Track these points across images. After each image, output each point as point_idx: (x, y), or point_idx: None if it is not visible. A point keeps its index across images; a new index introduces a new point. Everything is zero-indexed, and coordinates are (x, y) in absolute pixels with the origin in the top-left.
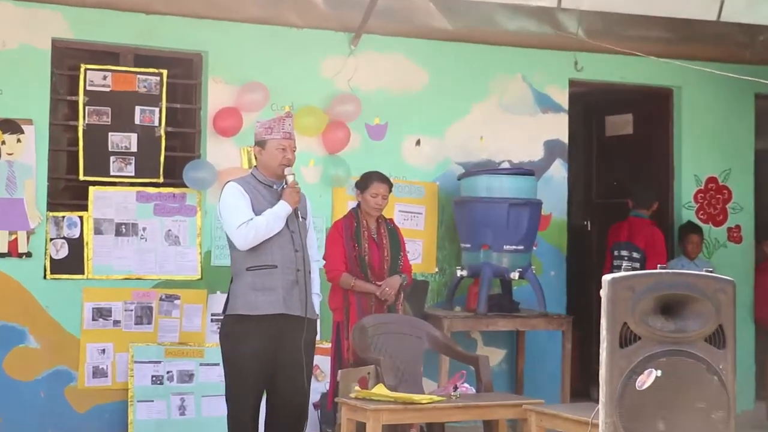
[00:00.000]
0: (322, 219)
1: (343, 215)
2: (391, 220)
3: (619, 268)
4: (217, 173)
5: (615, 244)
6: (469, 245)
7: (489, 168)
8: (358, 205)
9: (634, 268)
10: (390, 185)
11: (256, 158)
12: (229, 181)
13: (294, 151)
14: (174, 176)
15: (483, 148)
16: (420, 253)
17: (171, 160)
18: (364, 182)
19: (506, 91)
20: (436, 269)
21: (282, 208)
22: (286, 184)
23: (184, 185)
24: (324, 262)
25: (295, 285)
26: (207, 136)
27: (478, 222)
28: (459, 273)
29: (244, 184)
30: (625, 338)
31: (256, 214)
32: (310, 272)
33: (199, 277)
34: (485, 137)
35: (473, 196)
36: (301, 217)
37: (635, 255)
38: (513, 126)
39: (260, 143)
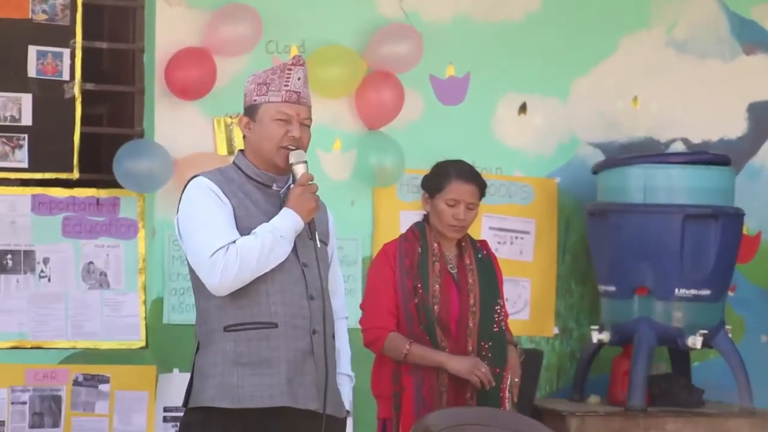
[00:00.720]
0: (356, 243)
1: (399, 235)
2: (483, 243)
3: None
4: (173, 163)
5: None
6: (613, 288)
7: (649, 153)
8: (426, 218)
9: None
10: (481, 186)
11: (244, 137)
12: (195, 176)
13: (306, 124)
14: (98, 169)
15: (638, 118)
16: (526, 302)
17: (92, 141)
18: (437, 180)
19: (681, 16)
20: (555, 330)
21: (288, 221)
22: (293, 180)
23: (115, 184)
24: (360, 314)
25: (309, 357)
26: (155, 100)
27: (631, 247)
28: (596, 337)
29: (221, 180)
30: None
31: (243, 233)
32: (333, 336)
33: (143, 344)
34: (642, 98)
35: (621, 201)
36: (320, 241)
37: None
38: (692, 77)
39: (250, 111)
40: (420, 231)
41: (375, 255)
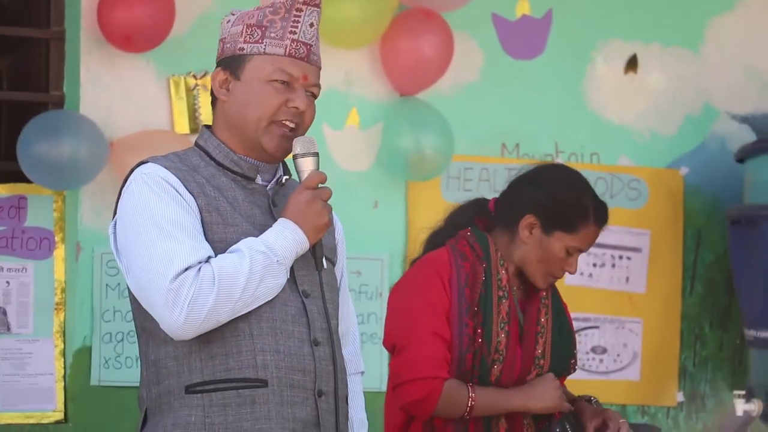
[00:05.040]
0: (380, 265)
1: (448, 244)
2: None
3: None
4: (108, 146)
5: None
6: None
7: None
8: (481, 226)
9: None
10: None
11: (213, 105)
12: (142, 163)
13: (314, 94)
14: None
15: None
16: (636, 355)
17: None
18: (570, 214)
19: None
20: (680, 397)
21: (288, 240)
22: (299, 180)
23: (20, 177)
24: (386, 356)
25: (314, 430)
26: (82, 51)
27: None
28: (741, 408)
29: (181, 169)
30: None
31: (216, 248)
32: (346, 400)
33: (60, 416)
34: None
35: None
36: (327, 260)
37: None
38: None
39: (232, 63)
40: (482, 247)
41: (413, 266)
